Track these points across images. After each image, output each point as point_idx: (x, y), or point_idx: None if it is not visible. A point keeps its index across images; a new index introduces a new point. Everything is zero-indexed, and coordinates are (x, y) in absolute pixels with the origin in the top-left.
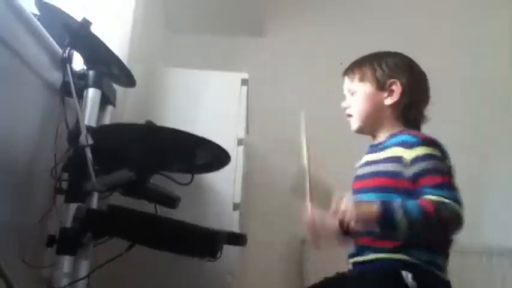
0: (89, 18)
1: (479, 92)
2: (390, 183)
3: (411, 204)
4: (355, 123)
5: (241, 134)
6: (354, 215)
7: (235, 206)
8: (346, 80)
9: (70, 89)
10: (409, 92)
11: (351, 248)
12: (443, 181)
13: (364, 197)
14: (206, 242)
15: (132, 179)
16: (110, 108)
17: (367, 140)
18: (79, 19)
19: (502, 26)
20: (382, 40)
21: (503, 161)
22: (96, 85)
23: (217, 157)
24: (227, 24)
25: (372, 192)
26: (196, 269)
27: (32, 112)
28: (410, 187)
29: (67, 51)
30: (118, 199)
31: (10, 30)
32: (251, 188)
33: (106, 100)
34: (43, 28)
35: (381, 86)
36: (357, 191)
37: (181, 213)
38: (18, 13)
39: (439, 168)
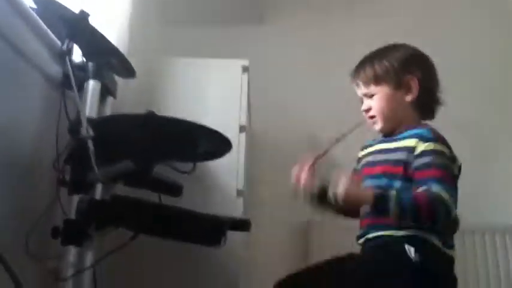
0: (86, 10)
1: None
2: (399, 171)
3: (407, 198)
4: (379, 125)
5: (243, 121)
6: (343, 194)
7: (239, 193)
8: (360, 84)
9: (70, 82)
10: (425, 84)
11: (358, 230)
12: (446, 177)
13: (373, 182)
14: (210, 229)
15: (135, 169)
16: (110, 99)
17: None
18: (77, 11)
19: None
20: (383, 24)
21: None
22: (96, 77)
23: (219, 145)
24: (226, 12)
25: (379, 178)
26: (202, 256)
27: (33, 105)
28: (416, 176)
29: (66, 43)
30: (122, 190)
31: (9, 24)
32: (254, 175)
33: (107, 91)
34: (41, 21)
35: (398, 85)
36: (367, 177)
37: (185, 202)
38: (16, 7)
39: (444, 164)
